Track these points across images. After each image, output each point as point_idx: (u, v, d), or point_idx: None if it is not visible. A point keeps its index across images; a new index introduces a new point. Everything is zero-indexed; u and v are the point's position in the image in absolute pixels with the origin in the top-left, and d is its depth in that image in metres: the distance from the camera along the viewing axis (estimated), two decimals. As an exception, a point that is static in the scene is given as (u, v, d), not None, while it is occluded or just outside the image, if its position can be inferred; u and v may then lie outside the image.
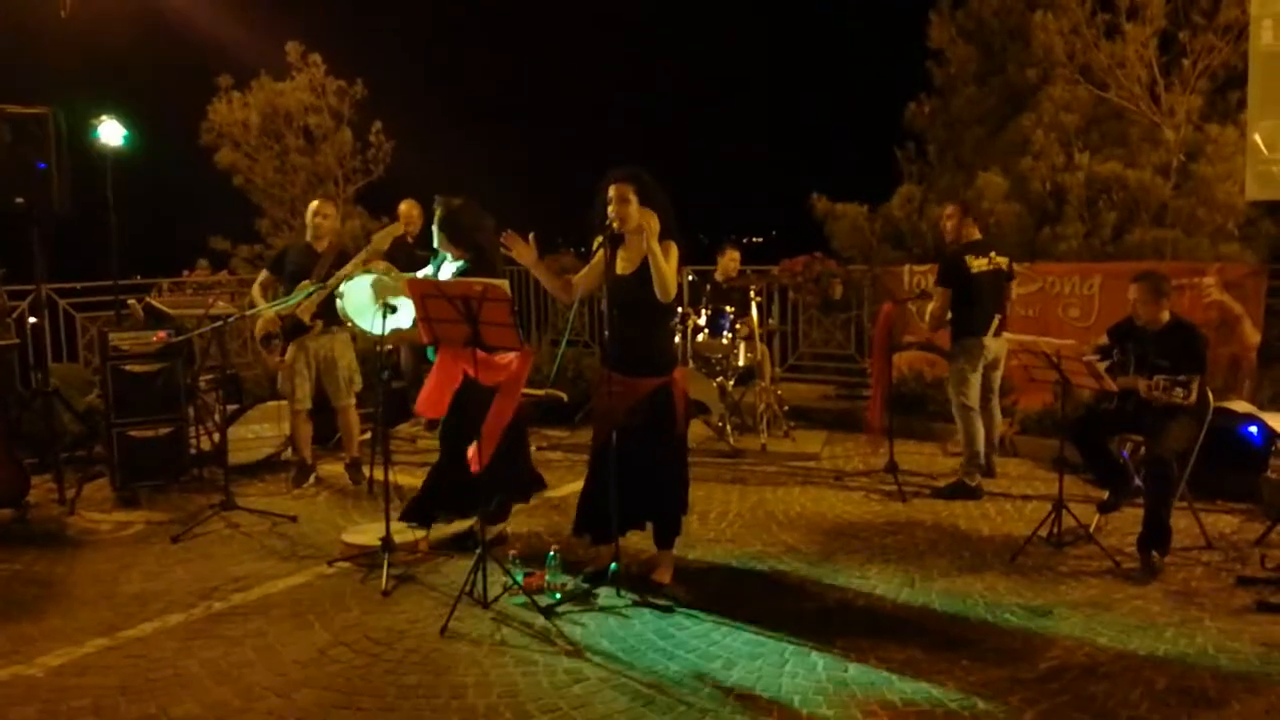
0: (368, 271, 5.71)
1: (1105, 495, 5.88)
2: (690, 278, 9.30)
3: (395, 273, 6.67)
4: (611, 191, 4.69)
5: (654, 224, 4.64)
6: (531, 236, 4.83)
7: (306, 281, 6.52)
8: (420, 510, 5.47)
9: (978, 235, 6.71)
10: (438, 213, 5.37)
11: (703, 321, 8.07)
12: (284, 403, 7.02)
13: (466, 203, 5.39)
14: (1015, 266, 7.09)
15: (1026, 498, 6.50)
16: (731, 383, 8.18)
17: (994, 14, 10.84)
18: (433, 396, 5.16)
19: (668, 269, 4.63)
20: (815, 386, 10.05)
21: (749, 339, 8.11)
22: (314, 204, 6.90)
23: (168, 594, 4.94)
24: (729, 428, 7.99)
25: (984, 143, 10.83)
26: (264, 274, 6.95)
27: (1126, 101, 9.38)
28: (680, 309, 7.88)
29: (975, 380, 6.59)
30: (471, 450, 4.98)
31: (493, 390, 5.07)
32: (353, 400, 6.93)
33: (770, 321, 9.17)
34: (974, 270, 6.49)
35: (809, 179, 11.62)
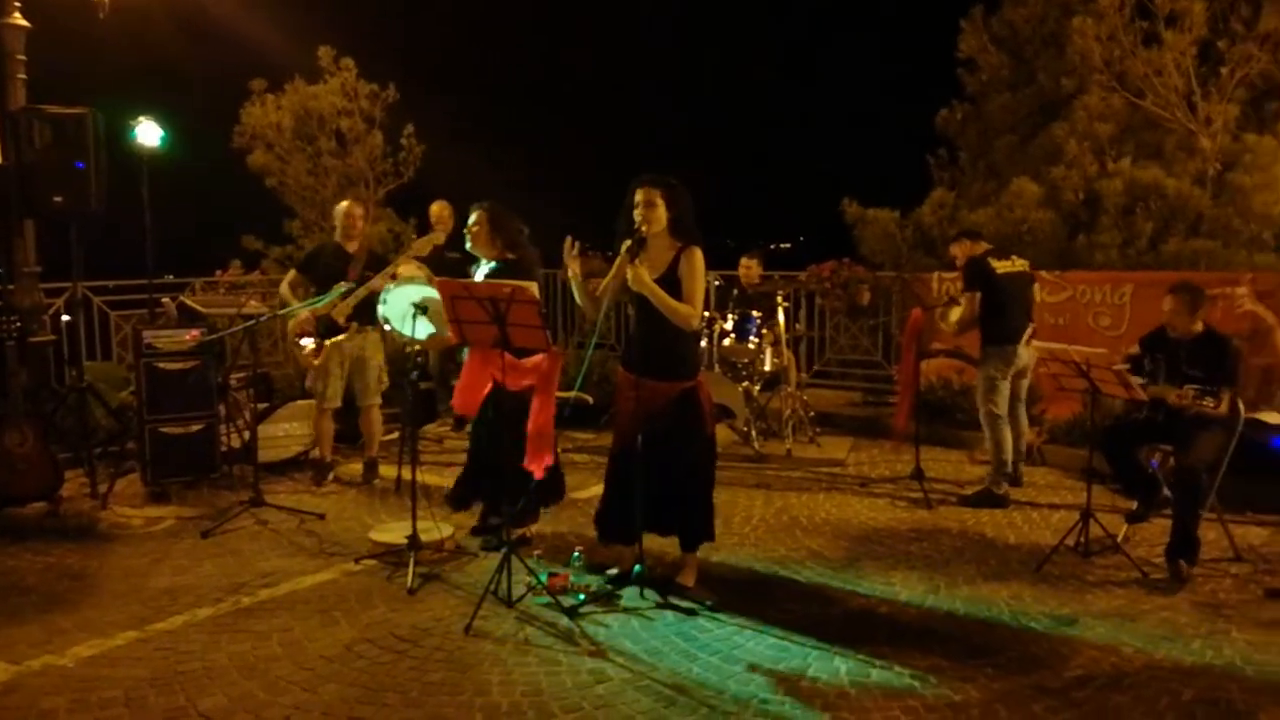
0: (413, 280, 5.73)
1: (1133, 505, 5.84)
2: (717, 283, 9.31)
3: (428, 274, 6.74)
4: (639, 195, 4.69)
5: (647, 277, 4.62)
6: (577, 248, 4.82)
7: (342, 283, 6.58)
8: (460, 495, 5.66)
9: (988, 246, 6.75)
10: (480, 213, 5.45)
11: (729, 326, 8.08)
12: (314, 401, 7.09)
13: (505, 208, 5.52)
14: (1044, 274, 7.07)
15: (1054, 507, 6.46)
16: (757, 388, 8.18)
17: (1026, 21, 10.79)
18: (465, 394, 5.23)
19: (679, 305, 4.61)
20: (841, 392, 10.05)
21: (775, 344, 8.10)
22: (344, 205, 6.95)
23: (197, 588, 5.00)
24: (754, 432, 7.99)
25: (1016, 150, 10.78)
26: (292, 273, 7.02)
27: (1162, 110, 9.30)
28: (707, 314, 7.88)
29: (1005, 388, 6.55)
30: (528, 459, 5.05)
31: (521, 394, 5.12)
32: (378, 400, 6.98)
33: (797, 327, 9.16)
34: (1000, 271, 6.48)
35: (839, 184, 11.60)
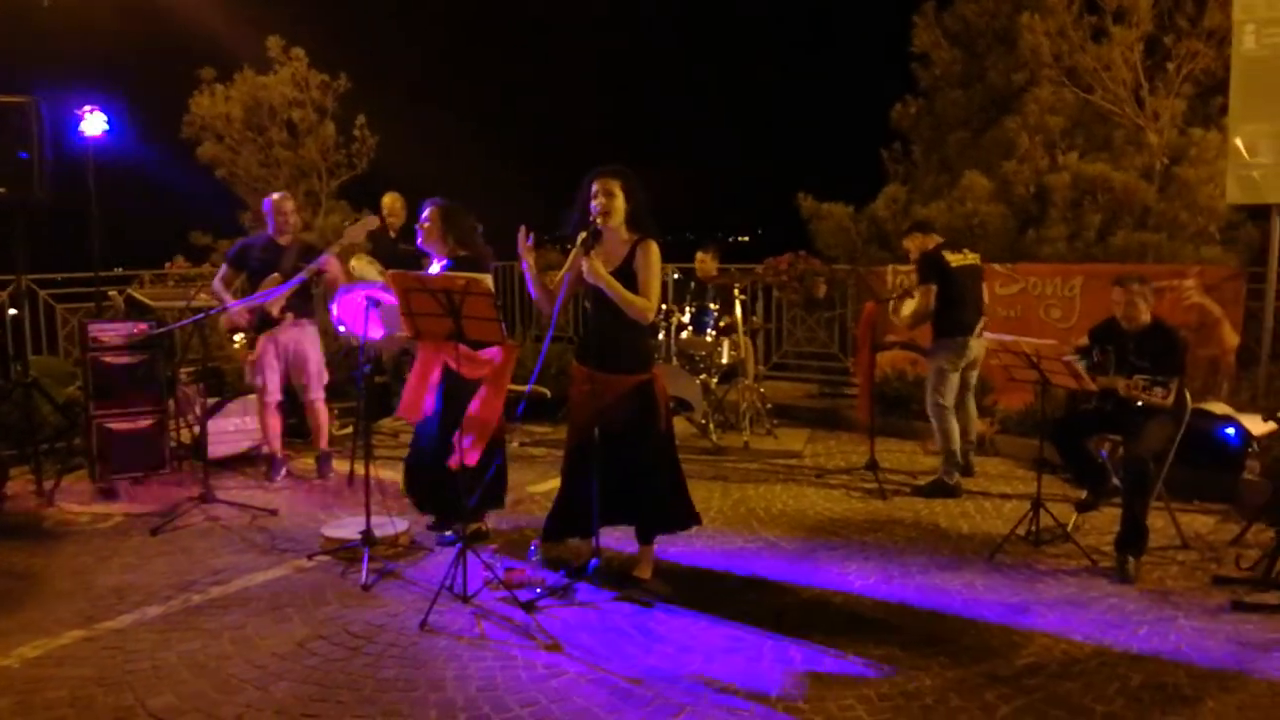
0: (367, 284, 5.65)
1: (1083, 494, 5.93)
2: (675, 276, 9.31)
3: (379, 269, 6.67)
4: (596, 186, 4.67)
5: (603, 269, 4.59)
6: (532, 239, 4.80)
7: (276, 275, 6.50)
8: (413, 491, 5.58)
9: (940, 239, 6.81)
10: (432, 209, 5.36)
11: (686, 319, 8.08)
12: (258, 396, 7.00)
13: (462, 207, 5.45)
14: (996, 267, 7.16)
15: (1005, 496, 6.54)
16: (715, 380, 8.20)
17: (978, 16, 10.88)
18: (412, 398, 5.16)
19: (634, 298, 4.58)
20: (798, 384, 10.10)
21: (733, 336, 8.12)
22: (273, 199, 6.84)
23: (146, 586, 4.92)
24: (712, 425, 8.01)
25: (968, 144, 10.88)
26: (224, 269, 6.89)
27: (1111, 105, 9.43)
28: (664, 306, 7.88)
29: (954, 380, 6.62)
30: (456, 445, 4.97)
31: (475, 384, 5.08)
32: (322, 394, 6.90)
33: (754, 319, 9.19)
34: (954, 264, 6.54)
35: (796, 178, 11.65)
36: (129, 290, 7.80)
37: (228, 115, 11.27)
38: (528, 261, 4.76)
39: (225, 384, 7.83)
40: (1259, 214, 8.26)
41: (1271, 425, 6.05)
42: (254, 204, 11.57)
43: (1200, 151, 8.85)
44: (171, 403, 6.84)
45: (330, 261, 6.36)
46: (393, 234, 8.51)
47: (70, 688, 3.85)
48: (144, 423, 6.58)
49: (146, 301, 7.33)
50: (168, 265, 10.35)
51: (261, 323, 6.58)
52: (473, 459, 5.03)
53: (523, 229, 4.72)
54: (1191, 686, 3.85)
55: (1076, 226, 9.26)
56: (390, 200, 8.57)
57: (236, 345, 6.61)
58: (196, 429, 6.81)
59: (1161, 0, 9.18)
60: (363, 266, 7.09)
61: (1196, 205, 8.80)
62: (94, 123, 7.11)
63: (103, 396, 6.47)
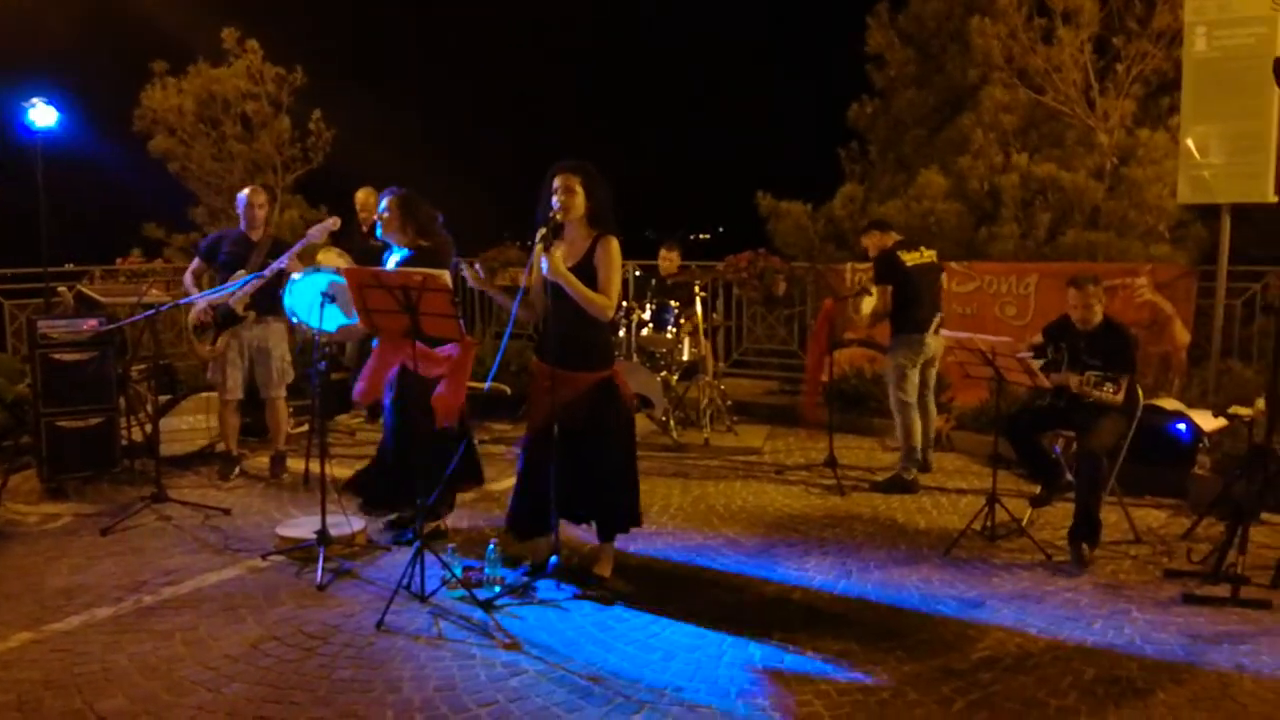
0: (318, 270, 5.59)
1: (1037, 490, 6.00)
2: (636, 273, 9.29)
3: (349, 261, 6.59)
4: (557, 181, 4.64)
5: (562, 265, 4.58)
6: (478, 265, 4.82)
7: (242, 270, 6.42)
8: (362, 490, 5.54)
9: (898, 237, 6.86)
10: (391, 199, 5.33)
11: (647, 316, 8.08)
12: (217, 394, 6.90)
13: (418, 195, 5.44)
14: (953, 265, 7.22)
15: (961, 492, 6.60)
16: (675, 377, 8.20)
17: (932, 18, 10.97)
18: (369, 382, 5.15)
19: (594, 295, 4.56)
20: (758, 381, 10.13)
21: (693, 334, 8.13)
22: (244, 194, 6.75)
23: (96, 587, 4.83)
24: (672, 422, 8.01)
25: (924, 143, 10.98)
26: (196, 262, 6.81)
27: (1062, 105, 9.55)
28: (625, 303, 7.87)
29: (914, 377, 6.68)
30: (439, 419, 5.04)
31: (431, 381, 5.05)
32: (283, 392, 6.82)
33: (714, 317, 9.21)
34: (909, 264, 6.60)
35: (756, 177, 11.68)
36: (79, 286, 7.65)
37: (180, 108, 11.11)
38: (490, 293, 4.81)
39: (178, 381, 7.71)
40: (1208, 213, 8.39)
41: (1222, 421, 6.16)
42: (206, 198, 11.43)
43: (1148, 152, 8.98)
44: (123, 400, 6.71)
45: (290, 263, 6.28)
46: (365, 229, 8.42)
47: (18, 691, 3.77)
48: (94, 421, 6.46)
49: (97, 297, 7.19)
50: (120, 260, 10.18)
51: (225, 319, 6.49)
52: (458, 410, 5.13)
53: (466, 270, 4.75)
54: (1144, 679, 3.91)
55: (1027, 225, 9.37)
56: (364, 195, 8.48)
57: (215, 348, 6.51)
58: (149, 427, 6.69)
59: (1111, 1, 9.31)
60: (330, 259, 7.00)
61: (1145, 204, 8.93)
62: (43, 115, 6.97)
63: (52, 394, 6.33)
